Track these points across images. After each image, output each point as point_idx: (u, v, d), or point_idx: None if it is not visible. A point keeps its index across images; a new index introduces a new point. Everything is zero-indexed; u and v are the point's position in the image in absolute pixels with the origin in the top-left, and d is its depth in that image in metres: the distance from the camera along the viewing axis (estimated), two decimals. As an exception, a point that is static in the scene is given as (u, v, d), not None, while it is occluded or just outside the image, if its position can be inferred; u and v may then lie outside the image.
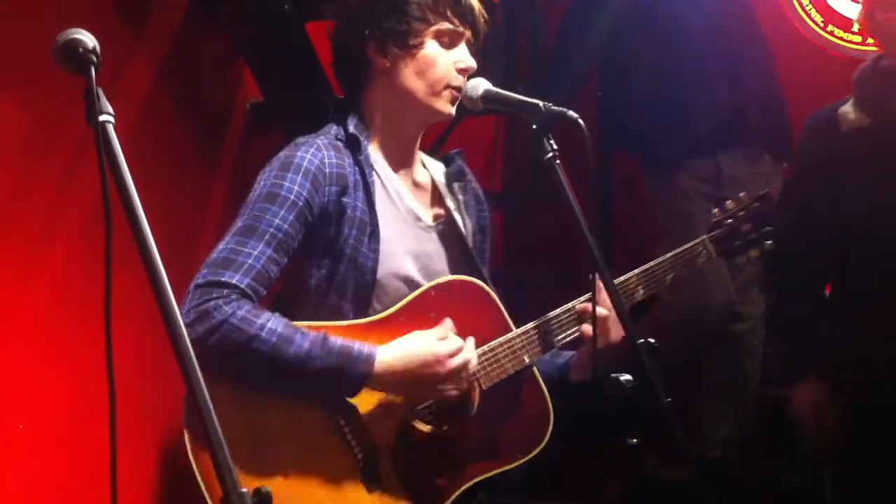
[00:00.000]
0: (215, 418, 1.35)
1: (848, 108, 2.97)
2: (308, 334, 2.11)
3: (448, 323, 2.25)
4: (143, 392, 2.75)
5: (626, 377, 2.07)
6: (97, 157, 1.45)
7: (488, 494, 2.35)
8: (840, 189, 2.87)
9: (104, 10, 2.89)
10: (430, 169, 2.51)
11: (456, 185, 2.53)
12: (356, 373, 2.12)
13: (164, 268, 1.44)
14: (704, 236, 2.50)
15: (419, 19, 2.29)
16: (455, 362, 2.19)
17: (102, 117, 1.48)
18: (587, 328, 2.28)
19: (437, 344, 2.20)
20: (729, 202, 2.54)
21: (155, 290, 1.42)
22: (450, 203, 2.48)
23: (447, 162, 2.55)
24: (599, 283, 2.22)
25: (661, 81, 3.78)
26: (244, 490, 1.31)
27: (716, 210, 2.54)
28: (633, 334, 2.10)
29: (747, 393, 3.83)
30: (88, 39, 1.53)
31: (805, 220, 3.02)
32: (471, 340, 2.26)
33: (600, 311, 2.26)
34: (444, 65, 2.32)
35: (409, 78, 2.32)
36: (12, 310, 2.63)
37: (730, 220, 2.51)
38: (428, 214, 2.44)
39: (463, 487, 2.27)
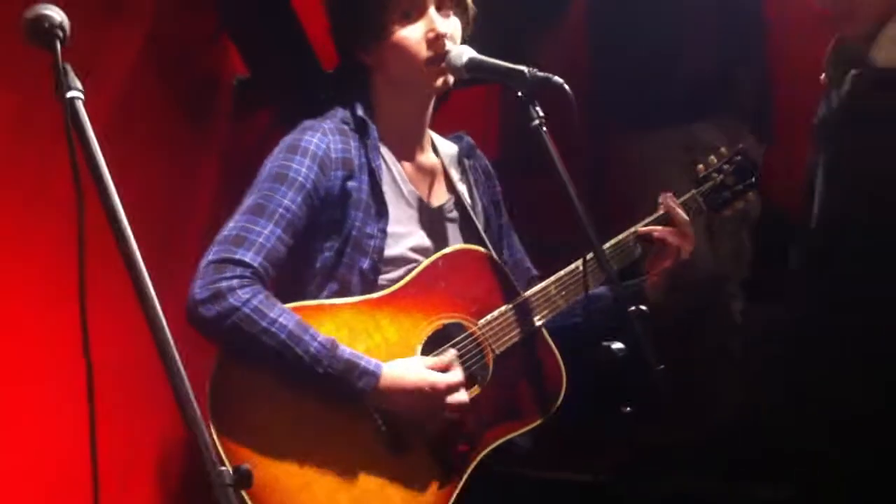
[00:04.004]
0: (193, 399, 1.33)
1: None
2: (317, 337, 2.13)
3: (453, 354, 2.27)
4: (124, 378, 2.73)
5: (618, 345, 2.05)
6: (66, 135, 1.42)
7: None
8: None
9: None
10: (441, 150, 2.51)
11: (466, 163, 2.54)
12: (358, 386, 2.14)
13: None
14: (694, 191, 2.53)
15: (376, 7, 2.27)
16: (452, 397, 2.22)
17: (70, 93, 1.46)
18: (667, 236, 2.41)
19: (438, 376, 2.21)
20: (711, 157, 2.57)
21: (130, 269, 1.40)
22: (459, 184, 2.49)
23: (455, 141, 2.56)
24: (671, 201, 2.44)
25: (642, 46, 3.74)
26: (223, 468, 1.29)
27: (700, 166, 2.57)
28: (623, 301, 2.08)
29: (733, 357, 3.82)
30: (56, 14, 1.52)
31: None
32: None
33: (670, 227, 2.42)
34: (414, 42, 2.29)
35: (393, 66, 2.32)
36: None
37: (715, 174, 2.55)
38: (435, 197, 2.44)
39: (485, 451, 2.29)
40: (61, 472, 2.66)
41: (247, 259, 2.13)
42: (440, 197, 2.45)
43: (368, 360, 2.16)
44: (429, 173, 2.46)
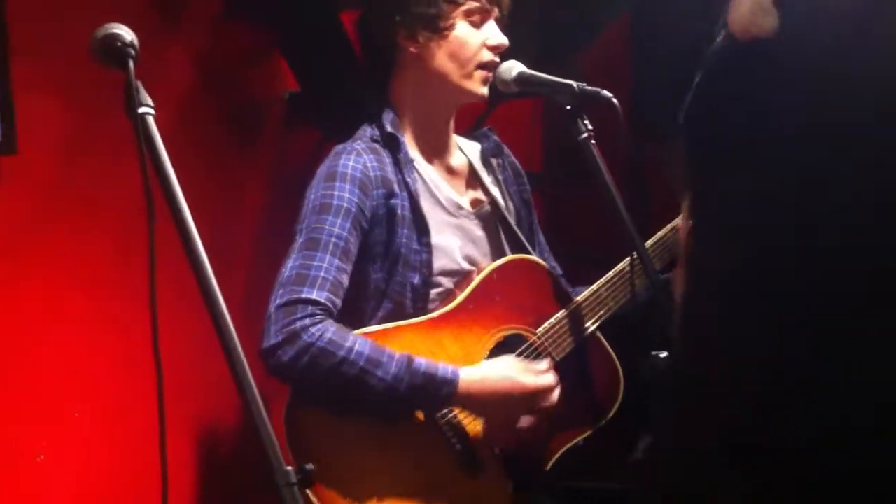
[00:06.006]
0: (259, 397, 1.37)
1: None
2: (394, 356, 2.15)
3: (546, 363, 2.30)
4: (189, 380, 2.77)
5: (665, 354, 2.07)
6: (137, 150, 1.48)
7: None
8: None
9: (139, 3, 2.91)
10: (467, 151, 2.53)
11: (494, 162, 2.56)
12: (439, 394, 2.17)
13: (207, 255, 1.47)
14: None
15: (448, 1, 2.31)
16: (541, 401, 2.26)
17: (142, 109, 1.52)
18: None
19: (527, 377, 2.24)
20: None
21: (198, 277, 1.45)
22: (489, 184, 2.51)
23: (481, 140, 2.57)
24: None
25: (684, 49, 3.72)
26: (288, 468, 1.33)
27: None
28: (664, 305, 2.11)
29: None
30: (126, 33, 1.57)
31: None
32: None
33: None
34: (475, 44, 2.34)
35: (442, 61, 2.34)
36: (57, 302, 2.66)
37: None
38: (468, 200, 2.47)
39: (553, 458, 2.35)
40: (128, 474, 2.71)
41: (313, 296, 2.14)
42: (477, 200, 2.48)
43: (444, 368, 2.17)
44: (461, 176, 2.49)
